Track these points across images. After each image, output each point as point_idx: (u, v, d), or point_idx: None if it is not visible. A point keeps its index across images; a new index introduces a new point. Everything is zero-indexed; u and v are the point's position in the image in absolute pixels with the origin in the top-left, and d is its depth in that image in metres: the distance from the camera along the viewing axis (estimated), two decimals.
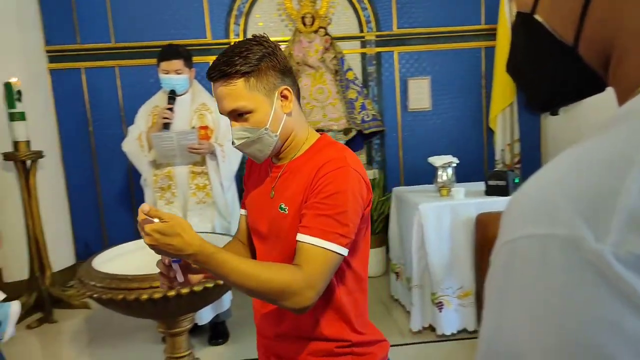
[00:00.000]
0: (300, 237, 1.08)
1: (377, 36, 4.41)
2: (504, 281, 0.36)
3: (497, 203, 2.83)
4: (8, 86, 3.37)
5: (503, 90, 4.18)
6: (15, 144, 3.43)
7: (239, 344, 3.00)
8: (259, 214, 1.26)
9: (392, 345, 2.97)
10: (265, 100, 1.13)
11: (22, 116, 3.42)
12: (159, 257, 2.04)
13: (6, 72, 3.50)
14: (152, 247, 1.02)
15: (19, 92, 3.40)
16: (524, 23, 0.50)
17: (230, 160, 2.98)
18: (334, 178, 1.08)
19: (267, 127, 1.14)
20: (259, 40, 1.14)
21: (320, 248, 1.05)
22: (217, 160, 2.91)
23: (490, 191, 2.95)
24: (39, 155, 3.54)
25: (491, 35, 4.34)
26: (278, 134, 1.16)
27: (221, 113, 1.19)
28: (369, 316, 1.27)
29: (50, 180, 3.98)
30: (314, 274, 1.04)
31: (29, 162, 3.50)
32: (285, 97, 1.16)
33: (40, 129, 3.81)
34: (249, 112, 1.13)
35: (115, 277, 1.80)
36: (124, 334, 3.16)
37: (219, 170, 2.93)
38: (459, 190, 2.93)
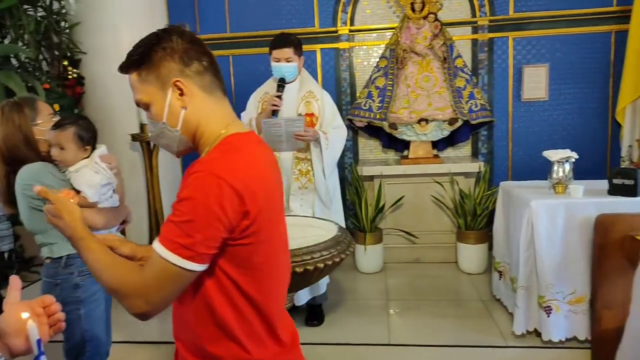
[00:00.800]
0: (155, 240, 1.01)
1: (491, 21, 4.17)
2: None
3: (622, 204, 2.56)
4: None
5: (635, 79, 3.75)
6: (142, 126, 3.79)
7: (334, 327, 3.06)
8: None
9: (491, 347, 2.85)
10: (159, 93, 1.07)
11: None
12: None
13: None
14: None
15: None
16: None
17: (333, 148, 3.03)
18: (190, 182, 0.98)
19: (164, 121, 1.08)
20: (163, 30, 1.08)
21: (159, 256, 0.96)
22: (321, 147, 2.96)
23: (614, 190, 2.68)
24: None
25: (624, 17, 3.90)
26: (178, 129, 1.09)
27: None
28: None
29: (169, 160, 4.34)
30: (147, 283, 0.98)
31: (152, 143, 3.85)
32: (180, 89, 1.07)
33: None
34: (147, 105, 1.09)
35: None
36: None
37: (321, 157, 2.99)
38: (578, 187, 2.69)
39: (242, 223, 0.99)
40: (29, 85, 3.29)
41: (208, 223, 0.95)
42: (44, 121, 1.94)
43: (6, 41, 3.61)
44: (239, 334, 1.06)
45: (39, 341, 0.80)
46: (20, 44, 3.60)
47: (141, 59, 1.06)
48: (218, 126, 1.10)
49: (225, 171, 0.98)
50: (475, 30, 4.23)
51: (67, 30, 3.80)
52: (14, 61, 3.64)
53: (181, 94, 1.07)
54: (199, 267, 0.98)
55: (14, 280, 0.88)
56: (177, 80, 1.06)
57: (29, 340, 0.80)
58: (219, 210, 0.95)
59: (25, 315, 0.82)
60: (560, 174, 2.77)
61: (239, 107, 4.23)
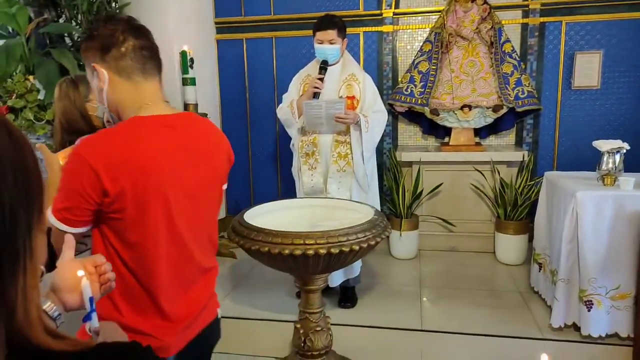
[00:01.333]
0: None
1: (543, 4, 4.00)
2: None
3: None
4: (184, 54, 3.80)
5: None
6: (186, 106, 3.87)
7: (366, 309, 3.08)
8: None
9: (527, 338, 2.79)
10: (91, 75, 1.24)
11: (193, 81, 3.83)
12: (299, 218, 2.16)
13: (182, 41, 3.95)
14: None
15: (192, 60, 3.81)
16: None
17: (373, 132, 3.01)
18: (68, 158, 1.14)
19: (97, 98, 1.27)
20: (99, 19, 1.28)
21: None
22: (361, 130, 2.95)
23: None
24: (204, 117, 3.95)
25: None
26: (105, 105, 1.26)
27: None
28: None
29: None
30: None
31: None
32: (97, 72, 1.22)
33: (206, 93, 4.25)
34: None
35: (262, 231, 1.96)
36: (263, 285, 3.45)
37: (361, 141, 2.98)
38: (628, 180, 2.58)
39: (104, 200, 1.11)
40: (81, 63, 3.42)
41: (71, 195, 1.11)
42: (95, 98, 2.04)
43: (60, 20, 3.76)
44: (115, 294, 1.16)
45: (91, 299, 0.86)
46: (73, 23, 3.74)
47: (81, 45, 1.26)
48: (132, 107, 1.23)
49: (89, 151, 1.10)
50: (526, 14, 4.07)
51: (117, 11, 3.91)
52: (67, 40, 3.79)
53: (99, 78, 1.22)
54: (71, 230, 1.12)
55: (69, 239, 0.94)
56: (93, 65, 1.21)
57: (82, 297, 0.86)
58: (79, 185, 1.09)
59: (80, 273, 0.88)
60: (610, 165, 2.66)
61: (280, 88, 4.27)
